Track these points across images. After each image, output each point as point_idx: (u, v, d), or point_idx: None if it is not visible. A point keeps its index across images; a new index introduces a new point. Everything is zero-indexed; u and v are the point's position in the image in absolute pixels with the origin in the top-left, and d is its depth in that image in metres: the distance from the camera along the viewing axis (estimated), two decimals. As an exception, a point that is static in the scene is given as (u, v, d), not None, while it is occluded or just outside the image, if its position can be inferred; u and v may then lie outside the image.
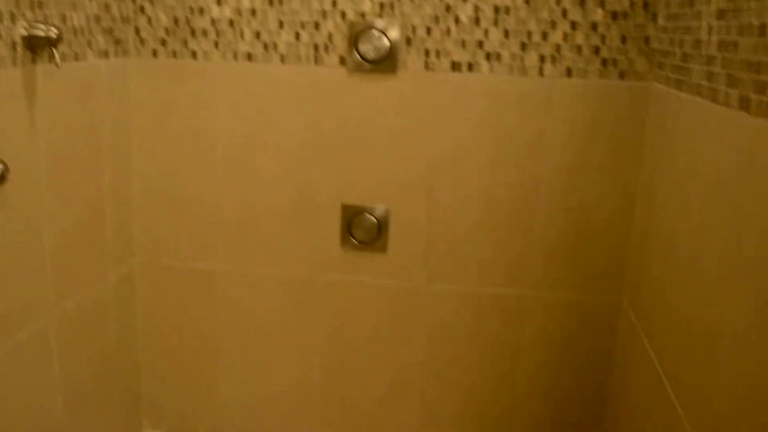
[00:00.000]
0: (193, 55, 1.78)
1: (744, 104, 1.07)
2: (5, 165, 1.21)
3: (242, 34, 1.75)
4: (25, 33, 1.36)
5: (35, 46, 1.39)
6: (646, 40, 1.63)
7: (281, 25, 1.73)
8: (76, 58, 1.57)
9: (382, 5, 1.69)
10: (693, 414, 1.22)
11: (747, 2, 1.09)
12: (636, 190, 1.72)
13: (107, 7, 1.68)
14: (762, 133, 0.99)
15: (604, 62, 1.65)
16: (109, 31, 1.69)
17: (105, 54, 1.69)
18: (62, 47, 1.51)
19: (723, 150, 1.15)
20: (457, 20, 1.68)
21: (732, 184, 1.10)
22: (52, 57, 1.42)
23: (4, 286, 1.40)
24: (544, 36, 1.65)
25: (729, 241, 1.09)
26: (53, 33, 1.36)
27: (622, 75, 1.65)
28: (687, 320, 1.29)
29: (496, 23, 1.67)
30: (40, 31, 1.36)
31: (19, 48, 1.36)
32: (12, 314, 1.44)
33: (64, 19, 1.51)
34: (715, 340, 1.12)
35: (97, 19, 1.64)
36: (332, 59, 1.74)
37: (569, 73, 1.67)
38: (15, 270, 1.43)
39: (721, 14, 1.21)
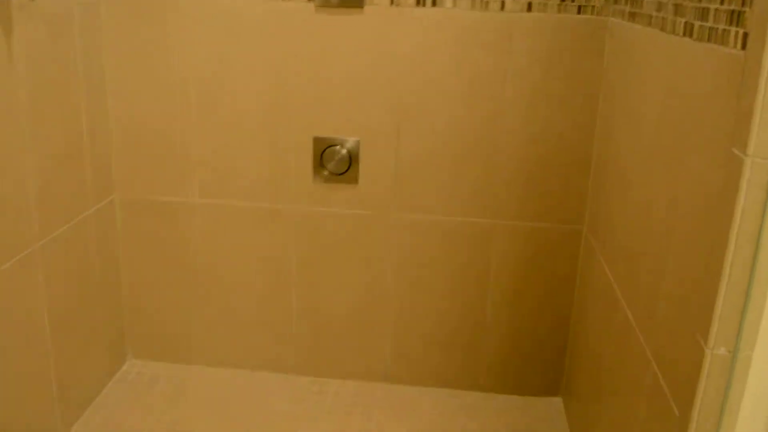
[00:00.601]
0: (165, -13, 1.83)
1: (688, 31, 1.15)
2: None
3: (214, -32, 1.80)
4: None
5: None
6: (604, -26, 1.70)
7: (252, -42, 1.78)
8: (52, -11, 1.61)
9: (350, -61, 1.74)
10: (643, 324, 1.33)
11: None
12: (595, 121, 1.81)
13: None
14: (703, 56, 1.07)
15: (564, -4, 1.73)
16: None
17: (79, -14, 1.72)
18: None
19: (669, 76, 1.24)
20: (423, -46, 1.73)
21: (676, 108, 1.19)
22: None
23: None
24: (507, -30, 1.72)
25: (673, 162, 1.19)
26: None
27: (579, 9, 1.73)
28: (638, 241, 1.39)
29: (460, -42, 1.73)
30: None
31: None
32: (0, 244, 1.50)
33: (39, -50, 1.54)
34: (663, 257, 1.22)
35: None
36: (302, -8, 1.79)
37: (529, 7, 1.74)
38: (2, 201, 1.49)
39: (670, -53, 1.29)
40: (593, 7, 1.72)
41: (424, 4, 1.76)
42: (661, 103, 1.27)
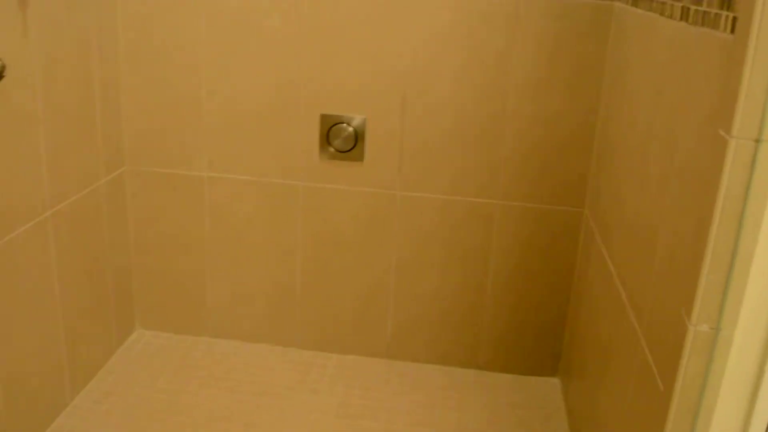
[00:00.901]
0: (179, -37, 1.85)
1: (684, 15, 1.17)
2: (3, 62, 1.30)
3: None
4: (18, -65, 1.43)
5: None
6: (610, -42, 1.72)
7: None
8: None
9: None
10: (635, 303, 1.36)
11: None
12: (598, 104, 1.83)
13: None
14: (696, 40, 1.09)
15: (570, -20, 1.74)
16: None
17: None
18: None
19: (666, 59, 1.26)
20: (432, -65, 1.75)
21: (671, 91, 1.21)
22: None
23: (5, 181, 1.50)
24: (515, -47, 1.74)
25: (667, 144, 1.21)
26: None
27: (585, -7, 1.75)
28: (632, 221, 1.42)
29: (469, -61, 1.74)
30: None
31: (14, -51, 1.43)
32: (13, 210, 1.55)
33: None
34: (654, 237, 1.25)
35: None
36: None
37: (536, -12, 1.76)
38: (15, 167, 1.54)
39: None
40: (599, -9, 1.74)
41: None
42: (658, 85, 1.29)
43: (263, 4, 1.85)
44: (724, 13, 0.97)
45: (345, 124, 1.93)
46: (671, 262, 1.12)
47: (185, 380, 2.01)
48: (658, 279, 1.19)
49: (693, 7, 1.12)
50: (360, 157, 1.96)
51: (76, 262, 1.82)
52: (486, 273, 2.03)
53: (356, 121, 1.93)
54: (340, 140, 1.95)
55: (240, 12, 1.87)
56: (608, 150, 1.70)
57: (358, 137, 1.94)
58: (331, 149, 1.96)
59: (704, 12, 1.06)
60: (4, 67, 1.30)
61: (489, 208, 1.96)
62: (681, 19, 1.18)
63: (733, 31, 0.92)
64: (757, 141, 0.87)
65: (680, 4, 1.19)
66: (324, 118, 1.94)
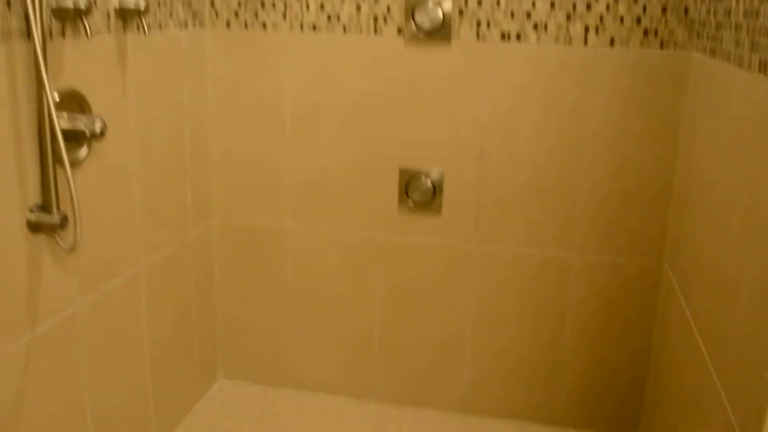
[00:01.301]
0: (263, 26, 1.94)
1: (763, 68, 1.16)
2: (104, 122, 1.38)
3: (308, 6, 1.90)
4: (117, 5, 1.53)
5: (126, 16, 1.56)
6: (686, 10, 1.72)
7: (343, -3, 1.88)
8: (160, 27, 1.74)
9: (437, -21, 1.82)
10: (715, 359, 1.33)
11: (768, -27, 1.18)
12: (675, 154, 1.81)
13: (186, -18, 1.85)
14: (774, 92, 1.09)
15: (646, 32, 1.75)
16: (188, 4, 1.86)
17: (184, 24, 1.85)
18: (148, 17, 1.68)
19: (746, 112, 1.25)
20: (507, -7, 1.79)
21: (751, 144, 1.20)
22: (140, 25, 1.59)
23: (103, 235, 1.59)
24: (588, 7, 1.76)
25: (749, 196, 1.19)
26: (141, 5, 1.53)
27: (662, 44, 1.75)
28: (713, 274, 1.39)
29: (543, -5, 1.78)
30: (130, 3, 1.53)
31: (113, 18, 1.53)
32: (109, 262, 1.63)
33: (149, -8, 1.68)
34: (735, 292, 1.22)
35: (178, -8, 1.81)
36: (390, 29, 1.87)
37: (612, 42, 1.77)
38: (112, 222, 1.62)
39: (748, -16, 1.30)
40: (676, 42, 1.74)
41: (509, 39, 1.82)
42: (737, 137, 1.28)
43: (345, 64, 1.92)
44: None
45: (423, 177, 1.96)
46: (753, 318, 1.10)
47: (266, 430, 2.04)
48: (740, 336, 1.17)
49: (771, 59, 1.11)
50: (438, 210, 1.99)
51: (164, 313, 1.89)
52: (563, 326, 2.01)
53: (434, 173, 1.96)
54: (419, 193, 1.98)
55: (323, 71, 1.94)
56: (687, 201, 1.68)
57: (436, 190, 1.97)
58: (410, 202, 1.99)
59: (782, 64, 1.06)
60: (105, 126, 1.38)
61: (565, 261, 1.95)
62: (759, 71, 1.17)
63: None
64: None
65: (757, 56, 1.19)
66: (403, 172, 1.97)
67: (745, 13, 1.29)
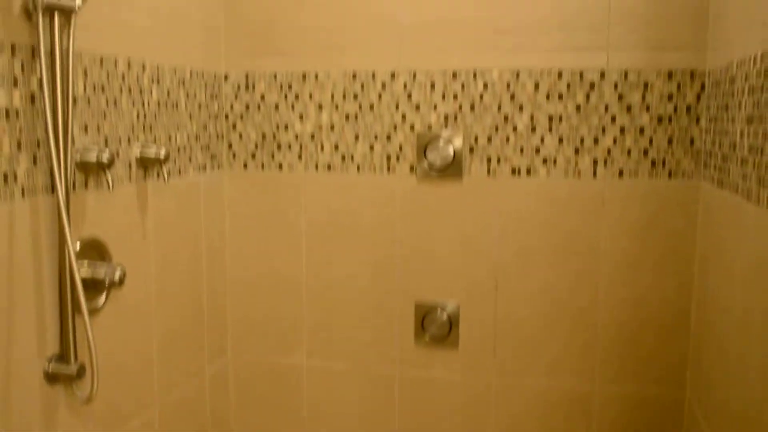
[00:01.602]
0: (279, 166, 2.00)
1: (770, 203, 1.18)
2: (123, 270, 1.41)
3: (322, 147, 1.96)
4: (138, 155, 1.59)
5: (147, 165, 1.62)
6: (691, 141, 1.76)
7: (357, 138, 1.94)
8: (179, 172, 1.79)
9: (446, 117, 1.88)
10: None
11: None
12: (692, 284, 1.81)
13: (205, 126, 1.92)
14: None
15: (653, 163, 1.78)
16: (206, 147, 1.92)
17: (203, 168, 1.91)
18: (168, 164, 1.73)
19: (758, 248, 1.26)
20: (515, 129, 1.84)
21: (765, 273, 1.20)
22: (160, 173, 1.64)
23: (120, 382, 1.58)
24: (596, 141, 1.80)
25: (766, 336, 1.19)
26: (162, 154, 1.58)
27: (670, 174, 1.78)
28: (737, 407, 1.36)
29: (550, 130, 1.83)
30: (151, 152, 1.58)
31: (134, 167, 1.59)
32: (125, 406, 1.61)
33: (170, 138, 1.74)
34: (761, 426, 1.20)
35: (197, 137, 1.87)
36: (403, 168, 1.92)
37: (621, 174, 1.80)
38: (129, 367, 1.62)
39: (749, 120, 1.34)
40: (683, 172, 1.77)
41: (519, 174, 1.86)
42: (751, 267, 1.29)
43: (359, 202, 1.96)
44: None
45: (439, 311, 1.96)
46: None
47: None
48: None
49: (778, 196, 1.13)
50: (455, 344, 1.97)
51: (180, 455, 1.86)
52: (591, 457, 1.95)
53: (450, 307, 1.96)
54: (435, 327, 1.97)
55: (338, 209, 1.98)
56: (707, 330, 1.67)
57: (452, 324, 1.96)
58: (427, 337, 1.98)
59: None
60: (124, 274, 1.41)
61: (585, 393, 1.91)
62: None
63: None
64: None
65: (765, 192, 1.21)
66: (418, 307, 1.97)
67: (750, 149, 1.32)
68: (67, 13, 1.29)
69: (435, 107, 1.88)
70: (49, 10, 1.25)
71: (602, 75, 1.79)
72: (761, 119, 1.26)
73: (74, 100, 1.36)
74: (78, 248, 1.41)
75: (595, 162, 1.81)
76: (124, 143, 1.55)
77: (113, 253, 1.53)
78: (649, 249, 1.82)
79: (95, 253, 1.47)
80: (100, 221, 1.49)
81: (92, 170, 1.43)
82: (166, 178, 1.61)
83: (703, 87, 1.75)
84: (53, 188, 1.31)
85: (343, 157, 1.95)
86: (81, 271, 1.38)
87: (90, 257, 1.45)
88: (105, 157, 1.38)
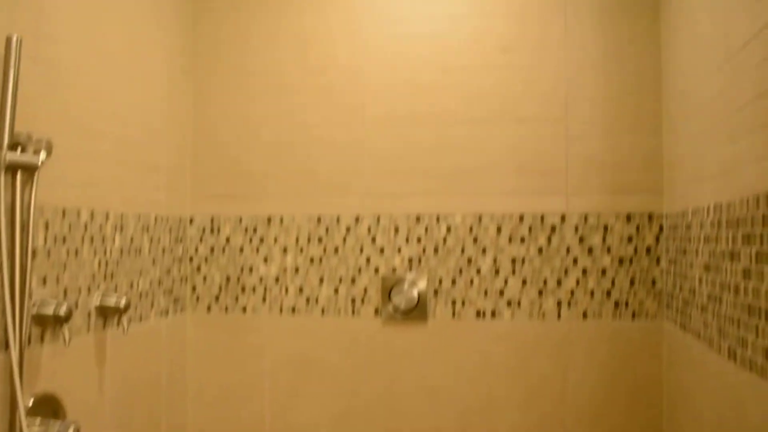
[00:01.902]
0: (243, 309, 1.97)
1: (732, 355, 1.18)
2: (77, 429, 1.35)
3: (287, 290, 1.95)
4: (98, 303, 1.56)
5: (107, 313, 1.59)
6: (653, 282, 1.78)
7: (322, 281, 1.93)
8: (140, 319, 1.76)
9: (410, 260, 1.89)
10: None
11: (723, 261, 1.24)
12: (661, 423, 1.79)
13: (169, 270, 1.90)
14: (747, 387, 1.09)
15: (617, 304, 1.79)
16: (169, 291, 1.90)
17: (165, 312, 1.88)
18: (129, 312, 1.70)
19: (719, 398, 1.25)
20: (478, 271, 1.85)
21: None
22: (120, 323, 1.61)
23: None
24: (559, 282, 1.82)
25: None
26: (123, 303, 1.56)
27: (634, 315, 1.79)
28: None
29: (514, 273, 1.84)
30: (111, 301, 1.56)
31: (93, 316, 1.56)
32: None
33: (132, 285, 1.72)
34: None
35: (160, 281, 1.86)
36: (368, 310, 1.91)
37: (585, 315, 1.81)
38: None
39: (707, 268, 1.36)
40: (647, 312, 1.78)
41: (483, 317, 1.85)
42: (718, 419, 1.27)
43: (324, 345, 1.93)
44: (769, 365, 0.98)
45: (407, 454, 1.91)
46: None
47: None
48: None
49: (740, 350, 1.14)
50: (424, 488, 1.91)
51: None
52: None
53: (418, 450, 1.91)
54: (403, 470, 1.91)
55: (302, 349, 1.94)
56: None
57: (420, 466, 1.91)
58: (394, 481, 1.92)
59: (750, 359, 1.07)
60: (77, 430, 1.36)
61: None
62: (729, 358, 1.19)
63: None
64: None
65: (727, 344, 1.21)
66: (385, 448, 1.92)
67: (709, 297, 1.34)
68: (30, 170, 1.29)
69: (399, 250, 1.90)
70: (12, 168, 1.26)
71: (563, 218, 1.83)
72: (717, 269, 1.28)
73: (33, 254, 1.34)
74: (31, 404, 1.36)
75: (559, 304, 1.82)
76: (84, 293, 1.53)
77: (68, 408, 1.47)
78: (616, 391, 1.80)
79: (49, 409, 1.42)
80: (55, 375, 1.44)
81: (49, 323, 1.40)
82: (126, 327, 1.58)
83: (661, 229, 1.79)
84: (6, 344, 1.28)
85: (308, 300, 1.94)
86: (32, 430, 1.32)
87: (43, 414, 1.40)
88: (62, 311, 1.36)
